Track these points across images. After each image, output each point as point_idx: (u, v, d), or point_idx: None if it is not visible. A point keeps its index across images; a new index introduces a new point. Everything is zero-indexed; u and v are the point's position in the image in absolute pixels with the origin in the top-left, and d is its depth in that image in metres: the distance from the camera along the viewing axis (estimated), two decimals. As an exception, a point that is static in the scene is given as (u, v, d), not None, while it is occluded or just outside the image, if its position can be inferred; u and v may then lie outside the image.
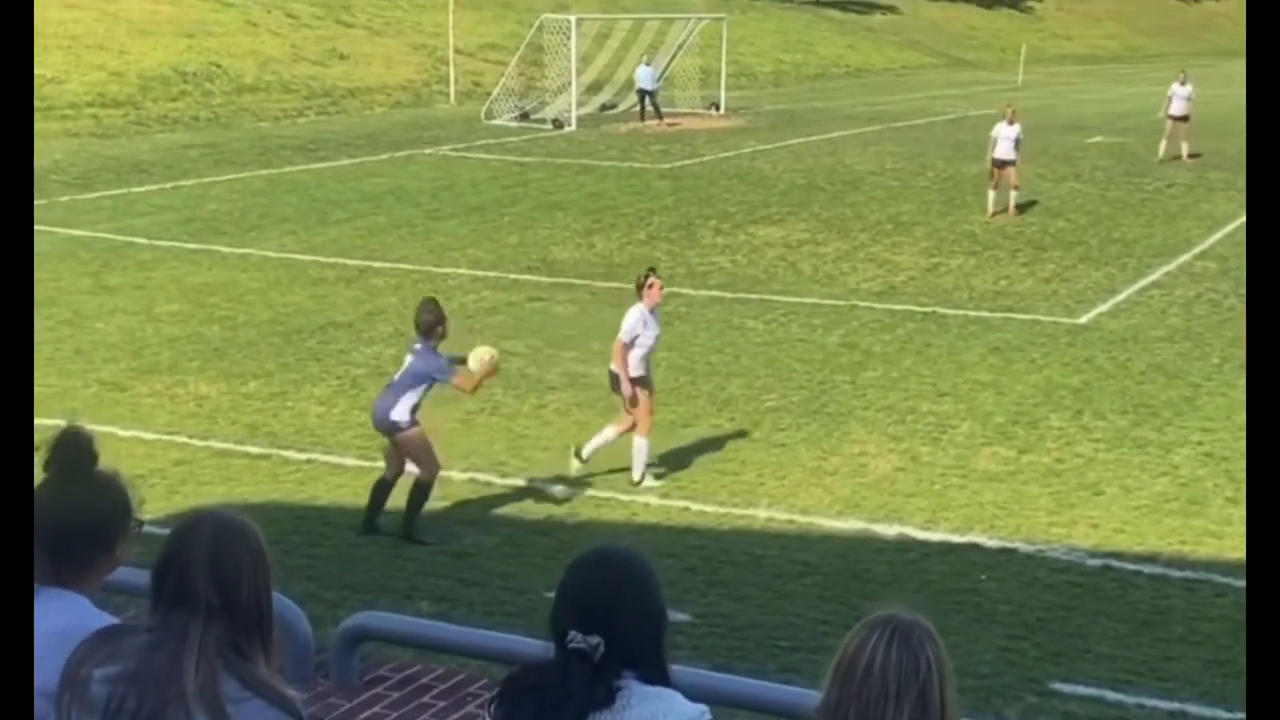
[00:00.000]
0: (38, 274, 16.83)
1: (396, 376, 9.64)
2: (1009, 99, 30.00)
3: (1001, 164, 22.22)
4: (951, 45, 70.58)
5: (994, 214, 22.02)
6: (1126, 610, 8.67)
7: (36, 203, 21.55)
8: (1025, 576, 9.17)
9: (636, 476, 10.59)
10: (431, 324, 9.53)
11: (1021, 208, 22.48)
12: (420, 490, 9.54)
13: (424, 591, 8.67)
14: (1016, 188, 22.31)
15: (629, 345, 10.46)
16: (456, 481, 10.60)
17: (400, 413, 9.38)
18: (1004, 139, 22.22)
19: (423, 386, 9.46)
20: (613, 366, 10.65)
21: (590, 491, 10.52)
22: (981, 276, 18.16)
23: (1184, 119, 28.55)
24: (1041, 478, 10.94)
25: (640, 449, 10.56)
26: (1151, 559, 9.44)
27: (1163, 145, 28.71)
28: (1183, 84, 28.78)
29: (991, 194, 22.28)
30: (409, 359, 9.59)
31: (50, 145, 27.57)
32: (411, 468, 9.61)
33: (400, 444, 9.51)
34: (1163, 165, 27.80)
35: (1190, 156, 28.34)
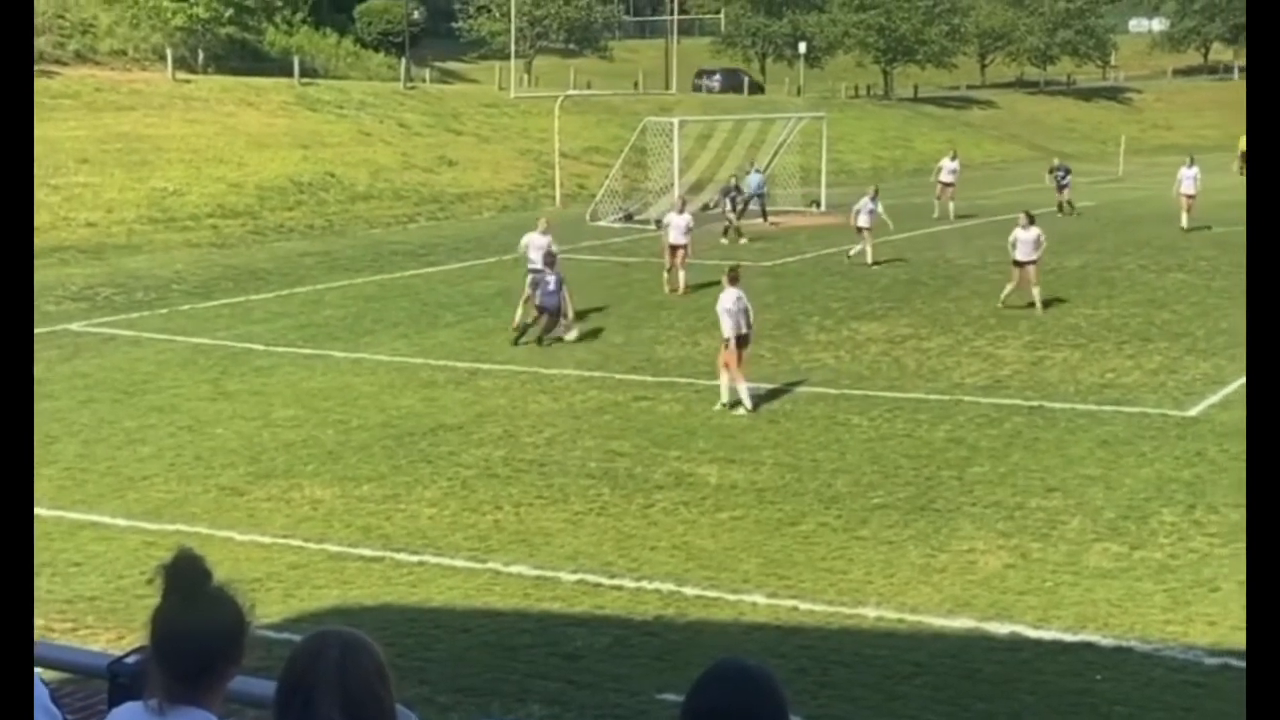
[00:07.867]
0: (160, 381, 17.47)
1: None
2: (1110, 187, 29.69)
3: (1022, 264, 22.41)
4: (1050, 138, 70.28)
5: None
6: (1247, 710, 8.50)
7: (158, 312, 22.34)
8: (1141, 676, 9.05)
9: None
10: None
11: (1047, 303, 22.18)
12: None
13: (535, 694, 8.76)
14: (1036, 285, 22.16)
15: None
16: (565, 583, 10.74)
17: None
18: (1023, 242, 22.44)
19: None
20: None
21: (697, 591, 10.58)
22: (1087, 369, 18.02)
23: (1193, 197, 32.44)
24: (1155, 574, 10.80)
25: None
26: (1271, 657, 9.25)
27: (1184, 218, 32.19)
28: (1189, 166, 32.83)
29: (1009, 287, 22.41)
30: None
31: (172, 256, 28.58)
32: None
33: None
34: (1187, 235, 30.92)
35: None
